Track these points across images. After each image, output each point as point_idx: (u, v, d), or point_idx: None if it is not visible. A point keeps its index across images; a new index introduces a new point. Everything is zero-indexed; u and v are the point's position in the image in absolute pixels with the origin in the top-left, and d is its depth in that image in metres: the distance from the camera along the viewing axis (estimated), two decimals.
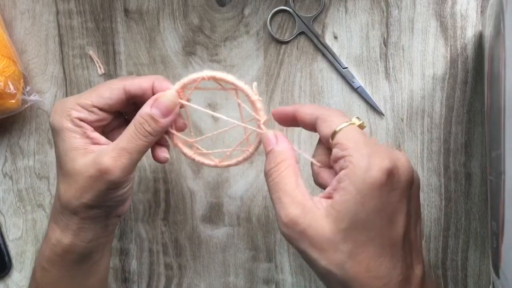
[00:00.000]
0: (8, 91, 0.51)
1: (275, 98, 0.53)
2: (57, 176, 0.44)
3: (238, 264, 0.55)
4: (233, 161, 0.45)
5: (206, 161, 0.45)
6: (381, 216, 0.35)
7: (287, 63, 0.53)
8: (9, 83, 0.51)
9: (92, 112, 0.43)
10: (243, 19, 0.53)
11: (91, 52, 0.55)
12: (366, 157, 0.36)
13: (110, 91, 0.43)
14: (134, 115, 0.43)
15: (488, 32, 0.46)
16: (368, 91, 0.52)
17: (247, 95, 0.42)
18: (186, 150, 0.45)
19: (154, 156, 0.46)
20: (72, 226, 0.43)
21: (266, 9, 0.53)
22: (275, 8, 0.52)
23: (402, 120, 0.52)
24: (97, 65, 0.55)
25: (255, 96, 0.42)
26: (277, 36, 0.52)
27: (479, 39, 0.50)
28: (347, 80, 0.52)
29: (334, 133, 0.38)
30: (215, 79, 0.43)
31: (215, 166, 0.45)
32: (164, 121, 0.43)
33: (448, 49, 0.51)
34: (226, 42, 0.53)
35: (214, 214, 0.55)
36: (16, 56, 0.54)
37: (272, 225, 0.54)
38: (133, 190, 0.56)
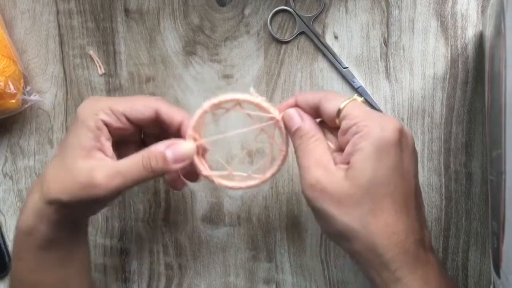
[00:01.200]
0: (8, 91, 0.51)
1: (276, 98, 0.53)
2: (51, 161, 0.43)
3: (238, 264, 0.55)
4: (256, 181, 0.44)
5: (226, 183, 0.44)
6: (396, 172, 0.38)
7: (288, 63, 0.53)
8: (9, 83, 0.51)
9: (119, 119, 0.43)
10: (243, 19, 0.53)
11: (91, 52, 0.55)
12: (379, 119, 0.39)
13: (144, 108, 0.44)
14: (151, 135, 0.45)
15: (488, 32, 0.46)
16: (369, 91, 0.52)
17: (250, 102, 0.42)
18: (206, 172, 0.44)
19: (170, 184, 0.48)
20: (46, 212, 0.42)
21: (266, 9, 0.53)
22: (275, 8, 0.52)
23: (403, 120, 0.52)
24: (97, 65, 0.55)
25: (257, 99, 0.42)
26: (277, 36, 0.52)
27: (480, 39, 0.50)
28: (347, 80, 0.52)
29: (339, 111, 0.40)
30: (215, 106, 0.43)
31: (239, 188, 0.44)
32: (174, 166, 0.42)
33: (449, 49, 0.51)
34: (227, 42, 0.53)
35: (214, 214, 0.55)
36: (16, 56, 0.54)
37: (272, 225, 0.54)
38: (133, 190, 0.56)
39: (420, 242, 0.39)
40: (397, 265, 0.38)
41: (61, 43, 0.55)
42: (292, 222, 0.54)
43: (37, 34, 0.56)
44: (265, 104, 0.42)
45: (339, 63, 0.52)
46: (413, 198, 0.40)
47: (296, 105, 0.43)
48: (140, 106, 0.44)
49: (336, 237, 0.40)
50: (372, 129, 0.38)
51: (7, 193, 0.57)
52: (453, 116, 0.51)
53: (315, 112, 0.42)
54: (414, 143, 0.41)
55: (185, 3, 0.54)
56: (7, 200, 0.57)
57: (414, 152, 0.41)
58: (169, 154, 0.42)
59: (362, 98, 0.42)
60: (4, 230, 0.57)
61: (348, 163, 0.39)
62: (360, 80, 0.52)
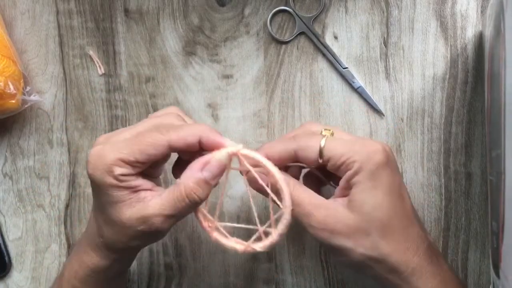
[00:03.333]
0: (8, 91, 0.51)
1: (275, 98, 0.53)
2: (96, 215, 0.43)
3: (238, 264, 0.55)
4: (261, 245, 0.41)
5: (228, 243, 0.42)
6: (393, 193, 0.41)
7: (287, 63, 0.53)
8: (9, 83, 0.51)
9: (134, 167, 0.40)
10: (243, 19, 0.53)
11: (91, 52, 0.55)
12: (363, 148, 0.40)
13: (154, 148, 0.40)
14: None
15: (488, 32, 0.46)
16: (368, 91, 0.52)
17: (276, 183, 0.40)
18: (205, 224, 0.43)
19: None
20: (113, 257, 0.44)
21: (266, 9, 0.53)
22: (275, 8, 0.52)
23: (402, 120, 0.52)
24: (97, 65, 0.55)
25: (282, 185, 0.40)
26: (277, 36, 0.52)
27: (479, 39, 0.50)
28: (347, 80, 0.52)
29: (321, 152, 0.41)
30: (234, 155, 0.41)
31: (242, 252, 0.41)
32: (214, 182, 0.41)
33: (448, 49, 0.51)
34: (226, 42, 0.53)
35: (214, 214, 0.55)
36: (16, 56, 0.53)
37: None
38: None
39: (430, 248, 0.42)
40: (417, 276, 0.40)
41: (61, 43, 0.55)
42: (291, 222, 0.54)
43: (37, 34, 0.56)
44: (285, 191, 0.40)
45: (339, 63, 0.52)
46: (412, 209, 0.43)
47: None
48: (149, 148, 0.40)
49: (357, 267, 0.42)
50: (361, 162, 0.40)
51: (7, 193, 0.57)
52: (452, 116, 0.51)
53: (290, 160, 0.43)
54: (394, 157, 0.43)
55: (185, 3, 0.54)
56: (7, 200, 0.57)
57: (396, 165, 0.43)
58: (208, 174, 0.40)
59: (330, 130, 0.43)
60: (4, 230, 0.57)
61: (344, 195, 0.41)
62: (359, 80, 0.52)
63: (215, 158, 0.40)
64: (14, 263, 0.57)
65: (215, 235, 0.42)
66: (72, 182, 0.56)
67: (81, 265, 0.45)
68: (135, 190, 0.41)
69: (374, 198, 0.40)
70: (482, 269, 0.52)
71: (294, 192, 0.41)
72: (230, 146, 0.40)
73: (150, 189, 0.41)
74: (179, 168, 0.44)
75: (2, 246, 0.57)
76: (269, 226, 0.41)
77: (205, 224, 0.42)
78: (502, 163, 0.38)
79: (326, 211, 0.40)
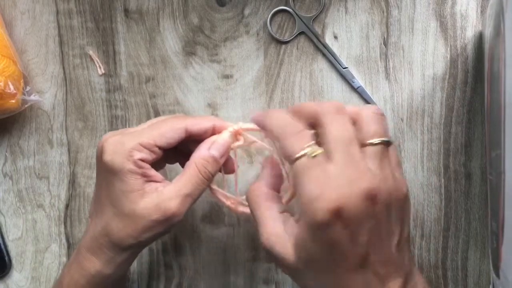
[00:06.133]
0: (8, 91, 0.51)
1: (275, 98, 0.53)
2: (103, 211, 0.44)
3: (238, 264, 0.55)
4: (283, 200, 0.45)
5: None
6: (334, 251, 0.35)
7: (287, 63, 0.53)
8: (9, 83, 0.51)
9: (152, 151, 0.43)
10: (243, 19, 0.53)
11: (91, 52, 0.55)
12: (312, 201, 0.35)
13: (173, 131, 0.43)
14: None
15: (488, 32, 0.46)
16: (368, 91, 0.52)
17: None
18: (228, 202, 0.47)
19: None
20: (118, 259, 0.44)
21: (266, 9, 0.53)
22: (275, 8, 0.52)
23: (402, 120, 0.52)
24: (97, 65, 0.55)
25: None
26: (277, 36, 0.52)
27: (479, 39, 0.50)
28: (347, 80, 0.52)
29: (293, 161, 0.37)
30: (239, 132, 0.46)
31: None
32: (222, 161, 0.44)
33: (448, 49, 0.51)
34: (226, 42, 0.53)
35: (214, 214, 0.55)
36: (16, 56, 0.53)
37: None
38: None
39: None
40: None
41: (61, 43, 0.56)
42: None
43: (37, 34, 0.56)
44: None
45: (339, 63, 0.52)
46: (362, 263, 0.36)
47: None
48: (168, 131, 0.43)
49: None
50: (305, 209, 0.35)
51: (7, 193, 0.57)
52: (452, 116, 0.51)
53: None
54: (362, 213, 0.35)
55: (184, 3, 0.54)
56: (7, 200, 0.57)
57: (360, 224, 0.35)
58: (215, 152, 0.44)
59: (319, 151, 0.36)
60: (4, 230, 0.57)
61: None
62: (359, 80, 0.52)
63: (220, 137, 0.44)
64: (14, 263, 0.57)
65: (241, 208, 0.46)
66: (72, 182, 0.56)
67: (82, 273, 0.44)
68: (149, 179, 0.43)
69: (309, 248, 0.36)
70: (482, 269, 0.52)
71: (260, 209, 0.40)
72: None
73: (161, 182, 0.43)
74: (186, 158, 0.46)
75: (2, 246, 0.57)
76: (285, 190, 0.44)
77: (228, 202, 0.46)
78: (502, 163, 0.38)
79: (276, 237, 0.38)
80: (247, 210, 0.45)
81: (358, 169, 0.35)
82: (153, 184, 0.43)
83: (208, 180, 0.43)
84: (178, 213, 0.42)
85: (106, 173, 0.43)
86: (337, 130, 0.36)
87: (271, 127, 0.39)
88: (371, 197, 0.35)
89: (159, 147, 0.43)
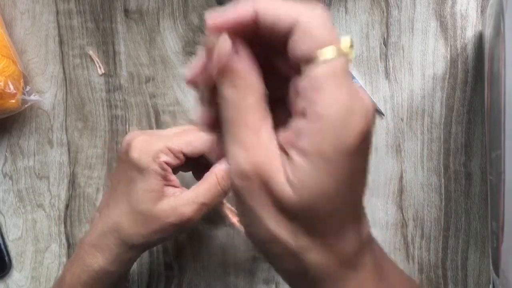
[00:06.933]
0: (8, 91, 0.51)
1: None
2: (117, 205, 0.44)
3: (238, 264, 0.55)
4: None
5: None
6: (348, 184, 0.27)
7: None
8: (9, 83, 0.51)
9: (177, 157, 0.44)
10: None
11: (91, 52, 0.55)
12: (344, 115, 0.25)
13: (201, 142, 0.44)
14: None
15: (488, 32, 0.46)
16: (368, 90, 0.52)
17: None
18: (234, 220, 0.47)
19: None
20: (122, 256, 0.44)
21: None
22: None
23: (402, 120, 0.52)
24: (97, 65, 0.55)
25: None
26: None
27: (479, 39, 0.50)
28: None
29: (313, 59, 0.26)
30: None
31: None
32: None
33: (448, 49, 0.51)
34: None
35: (214, 214, 0.55)
36: (16, 56, 0.54)
37: None
38: None
39: (360, 250, 0.29)
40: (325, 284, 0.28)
41: (61, 43, 0.56)
42: None
43: (37, 34, 0.56)
44: None
45: None
46: (361, 202, 0.29)
47: (252, 20, 0.26)
48: (196, 140, 0.44)
49: (257, 241, 0.29)
50: (328, 129, 0.25)
51: (7, 193, 0.57)
52: (452, 116, 0.51)
53: (275, 42, 0.27)
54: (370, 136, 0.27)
55: (185, 3, 0.54)
56: (7, 200, 0.57)
57: (369, 147, 0.28)
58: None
59: (349, 50, 0.26)
60: (4, 230, 0.57)
61: (286, 152, 0.27)
62: (359, 80, 0.52)
63: None
64: (14, 263, 0.57)
65: None
66: (72, 182, 0.56)
67: (84, 269, 0.45)
68: (168, 183, 0.44)
69: (319, 186, 0.26)
70: (482, 269, 0.52)
71: (245, 102, 0.27)
72: None
73: (179, 187, 0.44)
74: (201, 172, 0.46)
75: (2, 246, 0.57)
76: None
77: (234, 219, 0.47)
78: (502, 163, 0.38)
79: (266, 157, 0.26)
80: None
81: (353, 88, 0.27)
82: (171, 189, 0.44)
83: (225, 193, 0.44)
84: (192, 219, 0.43)
85: (130, 169, 0.44)
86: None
87: (282, 8, 0.26)
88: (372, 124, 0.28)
89: (184, 154, 0.44)
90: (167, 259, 0.56)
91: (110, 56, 0.55)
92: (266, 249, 0.29)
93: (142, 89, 0.55)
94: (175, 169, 0.46)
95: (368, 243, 0.30)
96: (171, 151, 0.43)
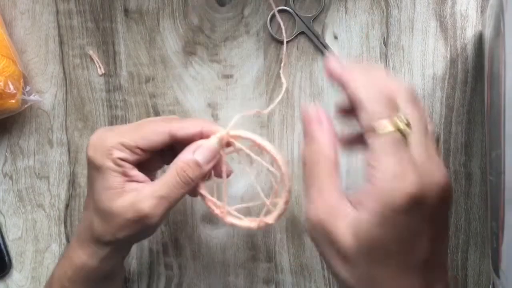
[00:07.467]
0: (8, 91, 0.51)
1: (275, 98, 0.53)
2: (86, 206, 0.45)
3: (238, 264, 0.55)
4: (271, 217, 0.44)
5: (242, 223, 0.44)
6: (401, 242, 0.32)
7: (287, 63, 0.53)
8: (9, 83, 0.51)
9: (134, 152, 0.42)
10: (243, 19, 0.53)
11: (91, 52, 0.55)
12: (391, 179, 0.32)
13: (156, 135, 0.42)
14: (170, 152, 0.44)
15: (488, 32, 0.46)
16: None
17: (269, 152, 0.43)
18: (217, 211, 0.45)
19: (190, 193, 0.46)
20: (101, 253, 0.44)
21: (266, 9, 0.53)
22: (275, 8, 0.52)
23: None
24: (97, 65, 0.55)
25: (268, 146, 0.43)
26: (277, 36, 0.52)
27: (479, 39, 0.50)
28: None
29: (372, 131, 0.33)
30: (230, 138, 0.43)
31: (252, 229, 0.44)
32: (207, 167, 0.43)
33: (448, 49, 0.51)
34: (226, 42, 0.53)
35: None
36: (16, 56, 0.53)
37: (272, 225, 0.54)
38: None
39: None
40: None
41: (61, 43, 0.56)
42: (291, 222, 0.54)
43: (37, 34, 0.56)
44: (269, 147, 0.43)
45: None
46: (421, 263, 0.34)
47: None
48: (151, 134, 0.42)
49: (336, 279, 0.36)
50: (379, 189, 0.32)
51: (7, 193, 0.57)
52: (452, 116, 0.51)
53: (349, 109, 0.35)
54: (440, 203, 0.33)
55: (184, 3, 0.54)
56: (7, 200, 0.57)
57: (434, 214, 0.33)
58: (199, 157, 0.42)
59: (405, 127, 0.33)
60: (4, 230, 0.57)
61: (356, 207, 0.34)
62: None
63: (206, 142, 0.43)
64: (14, 263, 0.57)
65: (229, 218, 0.44)
66: (72, 182, 0.56)
67: (70, 264, 0.45)
68: (129, 179, 0.42)
69: (374, 237, 0.32)
70: (482, 269, 0.52)
71: (319, 165, 0.35)
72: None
73: (143, 182, 0.43)
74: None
75: (2, 246, 0.57)
76: (275, 197, 0.43)
77: (217, 211, 0.45)
78: (502, 163, 0.38)
79: (330, 212, 0.34)
80: (236, 221, 0.44)
81: (434, 160, 0.33)
82: (133, 184, 0.42)
83: (187, 184, 0.42)
84: (151, 215, 0.41)
85: (89, 168, 0.43)
86: (418, 114, 0.34)
87: (355, 84, 0.34)
88: (447, 194, 0.33)
89: (141, 149, 0.42)
90: (167, 259, 0.56)
91: (110, 56, 0.55)
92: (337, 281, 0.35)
93: (142, 89, 0.55)
94: (151, 164, 0.44)
95: None
96: (125, 146, 0.42)
